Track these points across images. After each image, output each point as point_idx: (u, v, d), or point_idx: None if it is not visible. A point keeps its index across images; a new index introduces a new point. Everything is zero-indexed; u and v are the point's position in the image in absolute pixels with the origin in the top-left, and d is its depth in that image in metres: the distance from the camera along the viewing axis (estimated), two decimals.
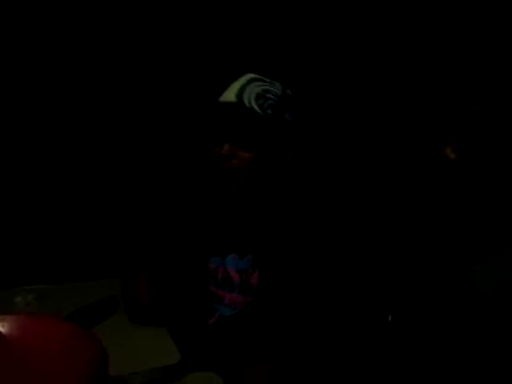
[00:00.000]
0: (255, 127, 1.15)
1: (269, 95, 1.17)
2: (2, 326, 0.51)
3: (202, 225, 1.35)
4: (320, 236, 1.13)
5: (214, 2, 2.09)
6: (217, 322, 1.21)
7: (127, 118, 2.07)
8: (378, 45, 2.22)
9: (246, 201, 1.21)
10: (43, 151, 1.96)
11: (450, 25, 2.09)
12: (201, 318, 1.25)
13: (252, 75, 1.21)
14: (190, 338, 1.18)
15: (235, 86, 1.18)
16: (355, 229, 1.19)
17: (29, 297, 1.39)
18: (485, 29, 2.02)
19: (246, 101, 1.15)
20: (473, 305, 1.21)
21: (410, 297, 1.44)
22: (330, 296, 1.09)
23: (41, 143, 1.96)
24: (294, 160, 1.23)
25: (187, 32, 2.08)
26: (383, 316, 1.30)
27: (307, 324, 1.09)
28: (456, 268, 1.40)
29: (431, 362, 1.29)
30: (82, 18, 1.94)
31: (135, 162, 2.09)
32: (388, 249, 1.55)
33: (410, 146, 2.10)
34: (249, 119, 1.15)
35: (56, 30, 1.91)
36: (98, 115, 2.03)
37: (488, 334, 1.26)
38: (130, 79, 2.05)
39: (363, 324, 1.19)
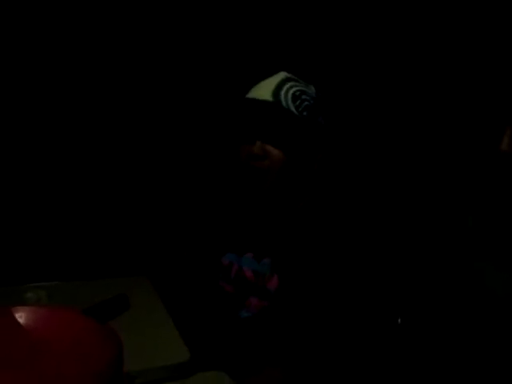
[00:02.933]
0: (290, 128, 1.13)
1: (305, 97, 1.15)
2: (21, 317, 0.52)
3: (220, 219, 1.33)
4: (342, 243, 1.11)
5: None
6: (232, 323, 1.20)
7: (145, 115, 2.07)
8: (406, 40, 2.20)
9: (270, 202, 1.19)
10: (59, 148, 1.97)
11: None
12: (212, 317, 1.25)
13: (286, 74, 1.18)
14: (201, 336, 1.17)
15: (270, 84, 1.15)
16: (373, 237, 1.18)
17: (40, 293, 1.40)
18: None
19: (283, 101, 1.13)
20: (483, 306, 1.20)
21: (419, 299, 1.43)
22: (348, 303, 1.08)
23: (55, 143, 1.97)
24: (321, 164, 1.21)
25: (211, 27, 2.08)
26: (393, 319, 1.30)
27: (322, 330, 1.08)
28: (466, 269, 1.39)
29: (441, 364, 1.28)
30: (82, 18, 1.94)
31: (154, 159, 2.09)
32: (402, 253, 1.54)
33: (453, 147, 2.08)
34: (284, 120, 1.12)
35: (56, 30, 1.91)
36: (113, 115, 2.03)
37: (498, 336, 1.25)
38: (146, 78, 2.05)
39: (376, 328, 1.18)
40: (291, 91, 1.14)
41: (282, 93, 1.13)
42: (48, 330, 0.50)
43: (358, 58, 2.23)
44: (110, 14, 1.97)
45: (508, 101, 1.03)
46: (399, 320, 1.27)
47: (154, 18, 2.02)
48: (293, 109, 1.13)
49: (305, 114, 1.14)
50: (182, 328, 1.20)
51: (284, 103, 1.13)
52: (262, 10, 2.11)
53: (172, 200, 2.05)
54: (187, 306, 1.29)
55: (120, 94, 2.02)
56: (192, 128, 2.10)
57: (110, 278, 1.57)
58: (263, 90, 1.15)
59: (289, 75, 1.18)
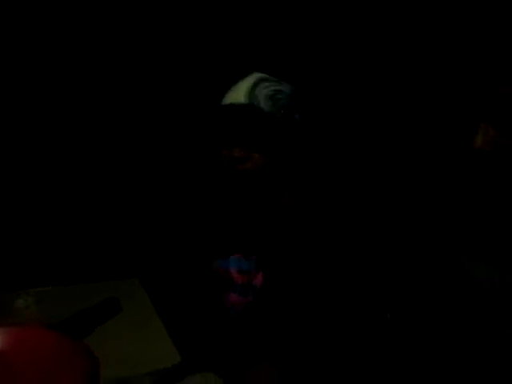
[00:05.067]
0: (267, 128, 1.12)
1: (279, 95, 1.14)
2: None
3: (208, 222, 1.34)
4: (325, 238, 1.11)
5: (215, 2, 2.08)
6: (218, 322, 1.21)
7: (132, 119, 2.06)
8: (390, 36, 2.20)
9: (255, 202, 1.19)
10: (43, 153, 1.96)
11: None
12: (202, 319, 1.24)
13: (259, 75, 1.17)
14: (191, 339, 1.17)
15: (243, 87, 1.15)
16: (359, 231, 1.18)
17: (29, 299, 1.39)
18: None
19: (257, 102, 1.12)
20: (473, 302, 1.19)
21: (408, 294, 1.43)
22: (333, 296, 1.08)
23: (42, 144, 1.96)
24: (302, 160, 1.21)
25: (187, 32, 2.07)
26: (382, 314, 1.29)
27: (309, 324, 1.08)
28: (455, 265, 1.39)
29: (431, 361, 1.28)
30: (82, 18, 1.93)
31: (137, 164, 2.08)
32: (389, 248, 1.54)
33: (425, 145, 2.09)
34: (261, 120, 1.12)
35: (56, 30, 1.90)
36: (106, 117, 2.03)
37: (488, 332, 1.25)
38: (134, 81, 2.04)
39: (364, 323, 1.18)
40: (265, 91, 1.13)
41: (256, 94, 1.13)
42: (14, 351, 0.48)
43: (351, 56, 2.22)
44: (107, 14, 1.96)
45: (481, 97, 1.02)
46: (388, 315, 1.26)
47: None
48: (268, 109, 1.12)
49: (282, 112, 1.14)
50: (172, 331, 1.19)
51: (258, 104, 1.12)
52: (239, 11, 2.10)
53: (162, 205, 2.04)
54: (177, 308, 1.29)
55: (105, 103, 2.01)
56: (175, 134, 2.10)
57: (101, 282, 1.56)
58: (237, 94, 1.15)
59: (262, 75, 1.17)
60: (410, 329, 1.28)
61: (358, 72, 2.22)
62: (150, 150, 2.09)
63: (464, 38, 2.01)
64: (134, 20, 2.00)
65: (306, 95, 1.23)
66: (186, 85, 2.09)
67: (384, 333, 1.24)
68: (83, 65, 1.97)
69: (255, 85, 1.14)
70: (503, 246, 1.13)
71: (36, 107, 1.93)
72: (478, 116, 0.95)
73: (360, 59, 2.21)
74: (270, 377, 1.05)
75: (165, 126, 2.09)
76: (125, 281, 1.52)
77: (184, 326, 1.24)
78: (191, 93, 2.07)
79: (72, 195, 1.98)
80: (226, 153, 1.14)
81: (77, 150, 1.99)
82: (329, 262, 1.09)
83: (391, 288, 1.36)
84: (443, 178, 1.90)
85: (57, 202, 1.95)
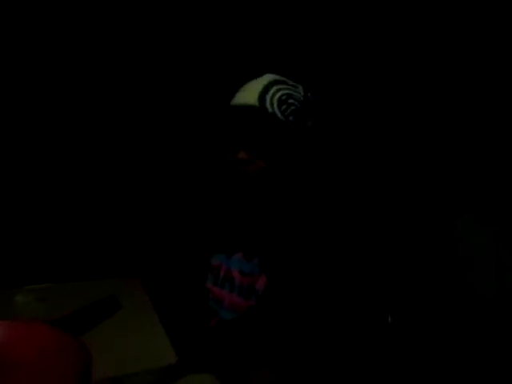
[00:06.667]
0: (275, 134, 1.09)
1: (291, 100, 1.11)
2: None
3: (208, 220, 1.32)
4: (330, 244, 1.09)
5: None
6: (217, 324, 1.20)
7: (135, 118, 2.07)
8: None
9: (259, 204, 1.17)
10: (43, 151, 1.97)
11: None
12: (199, 318, 1.24)
13: (273, 76, 1.15)
14: (188, 339, 1.17)
15: (256, 88, 1.12)
16: (363, 237, 1.17)
17: (29, 297, 1.39)
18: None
19: (268, 105, 1.09)
20: (471, 306, 1.20)
21: (409, 298, 1.43)
22: (336, 303, 1.07)
23: (43, 143, 1.97)
24: (307, 167, 1.19)
25: (195, 30, 2.07)
26: (383, 319, 1.29)
27: (311, 330, 1.07)
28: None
29: (430, 362, 1.28)
30: (82, 18, 1.93)
31: (142, 163, 2.09)
32: (391, 254, 1.54)
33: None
34: (269, 125, 1.09)
35: (56, 30, 1.90)
36: (110, 116, 2.03)
37: (486, 335, 1.25)
38: (139, 80, 2.04)
39: (365, 328, 1.18)
40: (277, 95, 1.11)
41: (268, 97, 1.10)
42: (13, 345, 0.49)
43: (354, 58, 2.22)
44: (107, 14, 1.96)
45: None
46: (389, 318, 1.26)
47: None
48: (279, 114, 1.10)
49: (291, 118, 1.11)
50: (171, 330, 1.19)
51: (270, 109, 1.09)
52: (250, 11, 2.10)
53: (162, 202, 2.04)
54: (176, 307, 1.29)
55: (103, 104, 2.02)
56: (181, 132, 2.10)
57: (101, 280, 1.56)
58: (248, 94, 1.12)
59: (275, 77, 1.15)
60: (411, 331, 1.28)
61: (368, 78, 2.22)
62: (154, 148, 2.09)
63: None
64: (141, 20, 2.00)
65: (321, 102, 1.21)
66: (198, 84, 2.08)
67: (385, 336, 1.24)
68: (86, 65, 1.97)
69: (267, 87, 1.11)
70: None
71: (37, 108, 1.93)
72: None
73: (370, 65, 2.21)
74: (268, 380, 1.05)
75: (174, 125, 2.09)
76: (125, 279, 1.52)
77: (182, 326, 1.24)
78: (202, 92, 2.06)
79: (74, 193, 1.98)
80: (230, 154, 1.12)
81: (81, 148, 1.99)
82: (330, 268, 1.08)
83: (392, 291, 1.37)
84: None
85: (59, 199, 1.96)
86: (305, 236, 1.11)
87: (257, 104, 1.09)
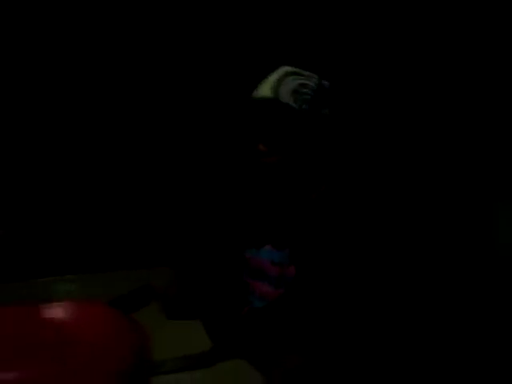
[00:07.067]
0: (290, 123, 1.14)
1: (305, 90, 1.15)
2: (49, 313, 0.56)
3: (239, 216, 1.36)
4: (356, 231, 1.13)
5: None
6: (248, 312, 1.24)
7: (165, 110, 2.10)
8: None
9: (284, 194, 1.22)
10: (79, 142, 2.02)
11: None
12: (233, 308, 1.28)
13: (288, 68, 1.19)
14: (222, 327, 1.21)
15: (271, 81, 1.17)
16: (388, 225, 1.20)
17: (70, 285, 1.46)
18: None
19: (282, 96, 1.14)
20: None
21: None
22: (363, 289, 1.11)
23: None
24: (329, 155, 1.22)
25: (207, 25, 2.07)
26: (409, 310, 1.32)
27: (338, 316, 1.11)
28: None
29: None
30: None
31: (180, 153, 2.12)
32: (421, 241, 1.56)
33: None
34: (284, 115, 1.14)
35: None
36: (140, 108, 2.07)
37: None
38: (164, 71, 2.06)
39: (391, 315, 1.20)
40: (291, 85, 1.15)
41: (282, 88, 1.14)
42: (75, 323, 0.54)
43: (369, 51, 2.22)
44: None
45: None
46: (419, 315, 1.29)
47: (156, 16, 2.03)
48: (292, 103, 1.14)
49: (305, 107, 1.15)
50: (205, 319, 1.24)
51: (284, 99, 1.14)
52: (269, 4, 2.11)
53: (195, 194, 2.09)
54: (209, 297, 1.33)
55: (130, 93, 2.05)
56: (208, 125, 2.13)
57: (134, 270, 1.62)
58: (264, 88, 1.17)
59: (290, 69, 1.19)
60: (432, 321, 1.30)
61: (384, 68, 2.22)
62: (186, 139, 2.12)
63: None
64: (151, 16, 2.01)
65: (337, 90, 1.23)
66: (224, 78, 2.11)
67: (410, 328, 1.27)
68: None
69: (281, 79, 1.16)
70: None
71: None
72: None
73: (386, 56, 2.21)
74: (298, 367, 1.09)
75: (203, 117, 2.11)
76: (157, 269, 1.58)
77: (215, 314, 1.28)
78: (226, 86, 2.09)
79: (107, 185, 2.04)
80: (253, 146, 1.17)
81: (116, 140, 2.04)
82: (356, 256, 1.11)
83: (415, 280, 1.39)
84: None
85: (92, 191, 2.02)
86: (331, 225, 1.15)
87: (272, 96, 1.14)
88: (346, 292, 1.10)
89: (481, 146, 1.94)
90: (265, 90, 1.16)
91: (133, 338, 0.53)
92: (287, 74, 1.17)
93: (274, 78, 1.17)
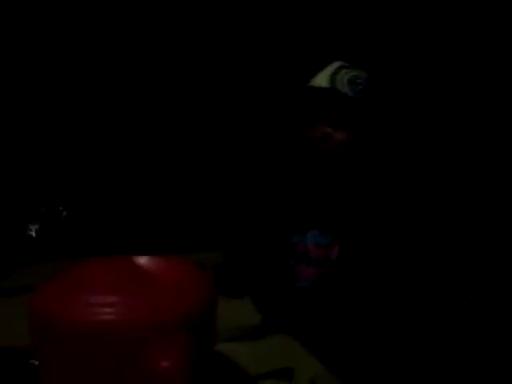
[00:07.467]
0: (348, 110, 1.25)
1: (359, 81, 1.28)
2: (138, 262, 0.66)
3: (287, 203, 1.46)
4: (400, 215, 1.22)
5: None
6: (294, 292, 1.33)
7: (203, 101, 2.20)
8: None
9: (335, 181, 1.31)
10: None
11: None
12: (281, 290, 1.37)
13: (340, 62, 1.31)
14: (270, 304, 1.30)
15: (326, 73, 1.29)
16: (434, 212, 1.27)
17: None
18: None
19: (339, 86, 1.25)
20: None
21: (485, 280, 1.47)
22: (405, 268, 1.18)
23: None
24: (379, 141, 1.32)
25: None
26: (457, 302, 1.36)
27: (379, 293, 1.18)
28: None
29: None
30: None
31: (228, 141, 2.21)
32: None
33: None
34: (342, 103, 1.25)
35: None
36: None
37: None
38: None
39: (436, 306, 1.26)
40: (346, 77, 1.27)
41: (338, 79, 1.26)
42: (158, 270, 0.64)
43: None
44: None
45: None
46: (464, 303, 1.32)
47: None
48: (349, 92, 1.25)
49: (360, 96, 1.26)
50: (253, 296, 1.33)
51: (340, 88, 1.25)
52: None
53: (245, 182, 2.17)
54: (257, 279, 1.42)
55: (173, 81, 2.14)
56: (260, 113, 2.21)
57: (185, 253, 1.72)
58: (320, 79, 1.29)
59: (343, 63, 1.31)
60: (486, 317, 1.33)
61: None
62: (234, 130, 2.21)
63: None
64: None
65: (381, 81, 1.35)
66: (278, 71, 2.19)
67: (458, 319, 1.31)
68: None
69: (337, 71, 1.28)
70: None
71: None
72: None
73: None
74: (340, 342, 1.17)
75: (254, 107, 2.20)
76: (209, 253, 1.68)
77: (265, 295, 1.37)
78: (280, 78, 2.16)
79: (162, 173, 2.15)
80: (309, 132, 1.27)
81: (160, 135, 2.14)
82: (399, 240, 1.18)
83: (467, 273, 1.43)
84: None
85: (149, 177, 2.13)
86: (376, 209, 1.24)
87: (328, 85, 1.26)
88: (384, 272, 1.17)
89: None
90: (322, 81, 1.28)
91: (206, 290, 0.62)
92: (341, 67, 1.29)
93: (329, 70, 1.29)
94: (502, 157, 2.04)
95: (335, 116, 1.25)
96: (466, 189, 1.93)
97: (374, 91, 1.30)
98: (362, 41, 2.21)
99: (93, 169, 2.09)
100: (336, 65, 1.31)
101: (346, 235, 1.26)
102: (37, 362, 0.59)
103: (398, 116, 1.92)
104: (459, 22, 2.17)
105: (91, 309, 0.54)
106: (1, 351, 0.90)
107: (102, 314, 0.53)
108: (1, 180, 1.93)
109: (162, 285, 0.60)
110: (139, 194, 2.13)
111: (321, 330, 1.19)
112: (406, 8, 2.23)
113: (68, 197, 1.99)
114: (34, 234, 1.57)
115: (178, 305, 0.57)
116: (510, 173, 1.96)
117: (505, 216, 1.80)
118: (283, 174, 1.87)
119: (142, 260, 0.66)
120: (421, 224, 1.22)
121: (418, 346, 1.21)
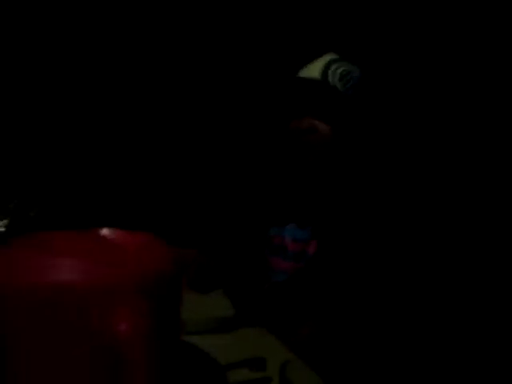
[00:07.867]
0: (336, 105, 1.23)
1: (351, 76, 1.25)
2: (102, 233, 0.63)
3: (266, 195, 1.44)
4: (379, 211, 1.20)
5: None
6: (269, 285, 1.31)
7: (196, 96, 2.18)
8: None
9: (315, 174, 1.29)
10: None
11: None
12: (255, 284, 1.35)
13: (333, 55, 1.29)
14: (244, 297, 1.28)
15: (318, 64, 1.26)
16: (412, 204, 1.26)
17: None
18: None
19: (330, 79, 1.23)
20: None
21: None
22: (382, 260, 1.17)
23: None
24: (362, 137, 1.30)
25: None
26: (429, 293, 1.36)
27: (353, 286, 1.16)
28: None
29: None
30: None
31: (200, 136, 2.18)
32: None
33: None
34: (331, 97, 1.23)
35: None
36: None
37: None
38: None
39: (408, 295, 1.24)
40: (338, 71, 1.24)
41: (330, 72, 1.23)
42: (122, 240, 0.61)
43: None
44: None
45: None
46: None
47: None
48: (339, 87, 1.23)
49: (350, 92, 1.24)
50: (227, 289, 1.31)
51: (331, 81, 1.22)
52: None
53: (220, 177, 2.15)
54: (232, 271, 1.40)
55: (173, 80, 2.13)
56: (239, 104, 2.18)
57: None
58: (312, 70, 1.26)
59: (336, 56, 1.28)
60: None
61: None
62: (210, 118, 2.19)
63: None
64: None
65: (373, 79, 1.33)
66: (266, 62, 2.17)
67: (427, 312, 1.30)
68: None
69: (329, 64, 1.25)
70: None
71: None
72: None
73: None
74: (314, 336, 1.15)
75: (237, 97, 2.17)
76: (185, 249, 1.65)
77: (239, 288, 1.34)
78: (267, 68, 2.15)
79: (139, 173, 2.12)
80: (295, 123, 1.24)
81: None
82: (376, 234, 1.17)
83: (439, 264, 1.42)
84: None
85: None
86: (354, 204, 1.23)
87: (320, 77, 1.23)
88: (362, 267, 1.16)
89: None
90: (314, 72, 1.25)
91: (171, 262, 0.60)
92: (334, 61, 1.26)
93: (321, 62, 1.26)
94: (491, 149, 2.03)
95: (323, 109, 1.22)
96: (447, 182, 1.91)
97: (364, 88, 1.28)
98: (354, 32, 2.19)
99: (65, 167, 2.05)
100: (329, 57, 1.28)
101: (324, 231, 1.24)
102: None
103: (386, 113, 1.91)
104: (455, 17, 2.17)
105: (48, 271, 0.51)
106: None
107: (58, 275, 0.50)
108: None
109: (122, 252, 0.58)
110: (112, 190, 2.09)
111: (294, 323, 1.17)
112: (401, 3, 2.22)
113: (38, 196, 1.94)
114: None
115: (136, 269, 0.55)
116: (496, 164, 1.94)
117: (490, 209, 1.79)
118: (265, 164, 1.84)
119: (106, 231, 0.64)
120: (400, 220, 1.20)
121: (395, 341, 1.20)
